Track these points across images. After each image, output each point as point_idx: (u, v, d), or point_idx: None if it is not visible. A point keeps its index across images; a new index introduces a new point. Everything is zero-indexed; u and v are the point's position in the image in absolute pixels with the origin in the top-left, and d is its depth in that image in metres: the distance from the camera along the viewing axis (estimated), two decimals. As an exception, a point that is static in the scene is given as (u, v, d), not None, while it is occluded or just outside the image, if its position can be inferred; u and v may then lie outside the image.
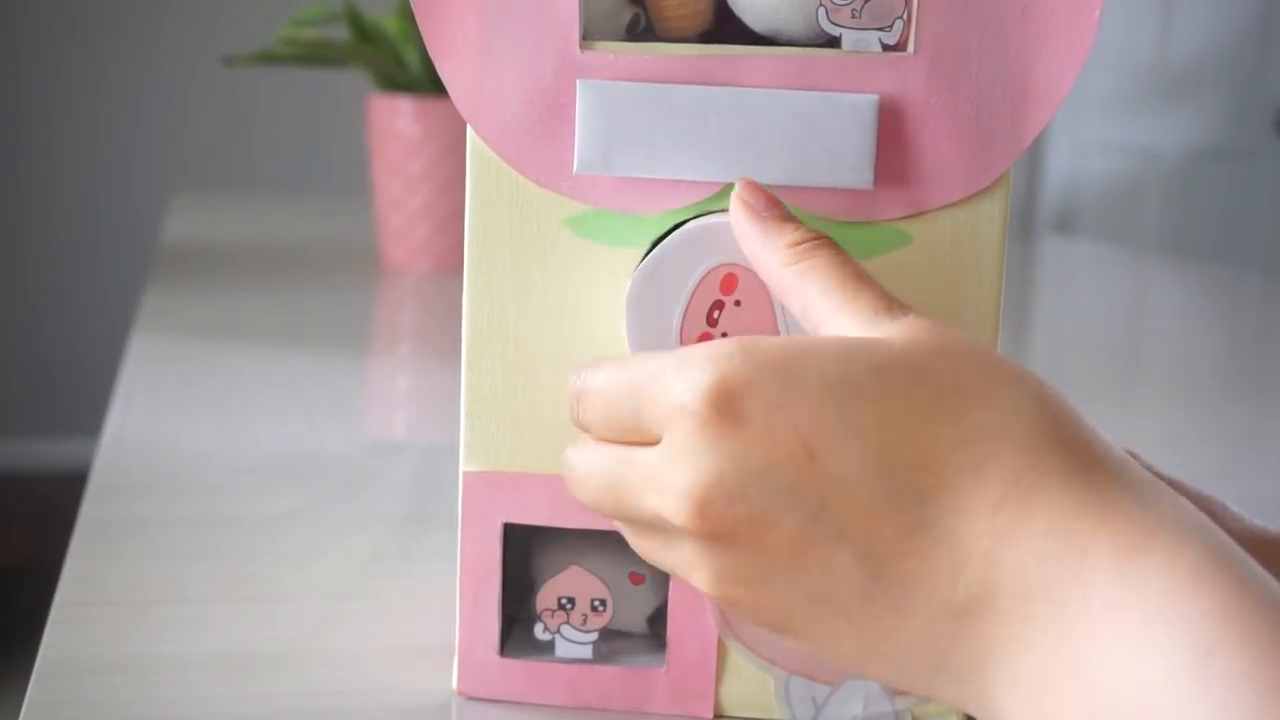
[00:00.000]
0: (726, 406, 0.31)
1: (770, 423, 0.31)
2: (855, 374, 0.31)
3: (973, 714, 0.31)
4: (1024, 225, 3.12)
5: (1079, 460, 0.30)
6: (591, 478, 0.35)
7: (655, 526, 0.34)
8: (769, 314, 0.39)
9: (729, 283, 0.38)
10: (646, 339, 0.39)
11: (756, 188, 0.37)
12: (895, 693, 0.41)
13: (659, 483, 0.32)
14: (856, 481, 0.30)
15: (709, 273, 0.38)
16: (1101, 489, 0.29)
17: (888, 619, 0.31)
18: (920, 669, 0.31)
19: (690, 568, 0.33)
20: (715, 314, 0.39)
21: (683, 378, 0.32)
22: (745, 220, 0.37)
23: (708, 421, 0.31)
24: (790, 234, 0.36)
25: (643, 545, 0.35)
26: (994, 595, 0.29)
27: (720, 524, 0.31)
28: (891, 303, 0.34)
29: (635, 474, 0.33)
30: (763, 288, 0.38)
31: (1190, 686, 0.26)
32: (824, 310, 0.35)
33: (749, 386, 0.31)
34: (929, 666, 0.31)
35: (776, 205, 0.37)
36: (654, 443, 0.33)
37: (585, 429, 0.36)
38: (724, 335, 0.39)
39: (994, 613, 0.29)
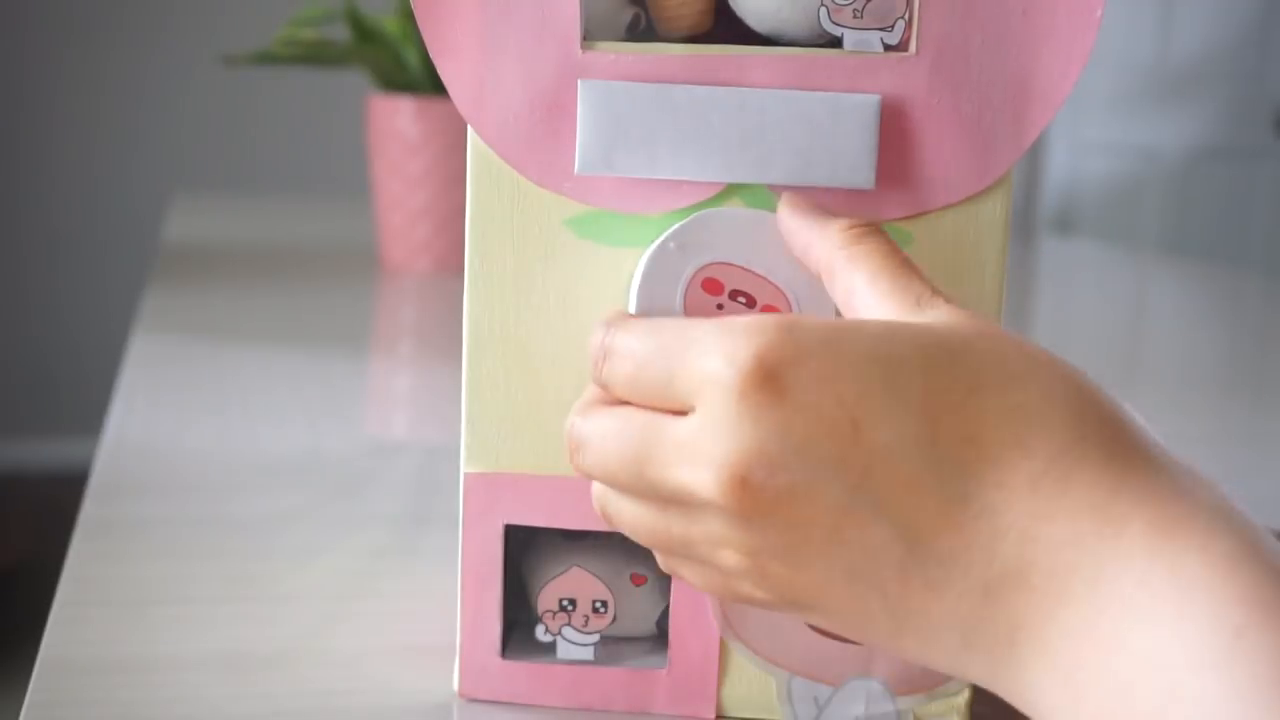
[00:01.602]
0: (769, 378, 0.30)
1: (815, 394, 0.30)
2: (900, 349, 0.31)
3: (1001, 693, 0.31)
4: (1024, 225, 3.13)
5: (1118, 441, 0.30)
6: (609, 442, 0.34)
7: (677, 502, 0.33)
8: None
9: (713, 285, 0.38)
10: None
11: (799, 194, 0.38)
12: (898, 692, 0.41)
13: (692, 453, 0.31)
14: (901, 454, 0.30)
15: (704, 267, 0.38)
16: (1139, 470, 0.30)
17: (922, 595, 0.31)
18: (951, 646, 0.31)
19: (717, 545, 0.32)
20: (719, 310, 0.39)
21: (723, 348, 0.31)
22: (793, 215, 0.37)
23: (747, 394, 0.30)
24: (842, 221, 0.36)
25: (655, 524, 0.34)
26: (1028, 572, 0.29)
27: (759, 498, 0.31)
28: (935, 292, 0.34)
29: (664, 443, 0.32)
30: (761, 287, 0.38)
31: (1218, 667, 0.26)
32: (868, 297, 0.35)
33: (794, 359, 0.30)
34: (959, 645, 0.31)
35: (820, 207, 0.38)
36: (681, 411, 0.32)
37: (607, 386, 0.35)
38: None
39: (1027, 589, 0.29)
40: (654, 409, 0.33)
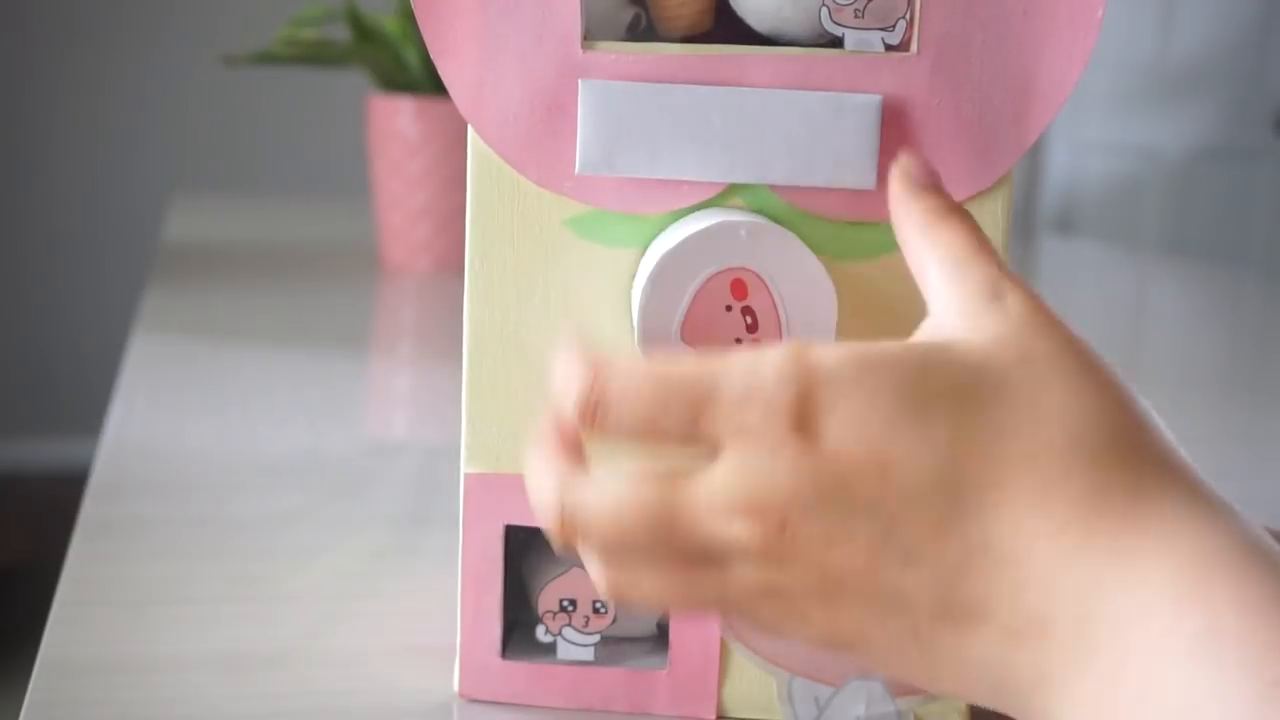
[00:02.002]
0: (802, 424, 0.30)
1: (845, 438, 0.30)
2: (932, 387, 0.31)
3: None
4: (1024, 225, 3.12)
5: (1146, 481, 0.30)
6: (625, 510, 0.31)
7: (707, 560, 0.31)
8: (774, 324, 0.38)
9: (738, 288, 0.38)
10: (651, 338, 0.39)
11: (918, 158, 0.37)
12: (899, 692, 0.41)
13: (728, 504, 0.30)
14: (927, 499, 0.30)
15: (714, 276, 0.38)
16: (1167, 513, 0.29)
17: (952, 639, 0.30)
18: (985, 689, 0.31)
19: (757, 596, 0.32)
20: (724, 314, 0.39)
21: (754, 393, 0.30)
22: (896, 184, 0.36)
23: (783, 440, 0.30)
24: (930, 199, 0.35)
25: (688, 589, 0.32)
26: (1052, 622, 0.29)
27: (797, 541, 0.30)
28: (1000, 284, 0.33)
29: (698, 497, 0.31)
30: (768, 294, 0.38)
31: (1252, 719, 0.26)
32: (937, 282, 0.34)
33: (826, 403, 0.30)
34: (992, 688, 0.31)
35: (933, 175, 0.36)
36: (694, 452, 0.31)
37: (607, 431, 0.32)
38: (737, 340, 0.39)
39: (1052, 639, 0.29)
40: (664, 467, 0.32)
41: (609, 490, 0.32)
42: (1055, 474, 0.30)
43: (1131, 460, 0.30)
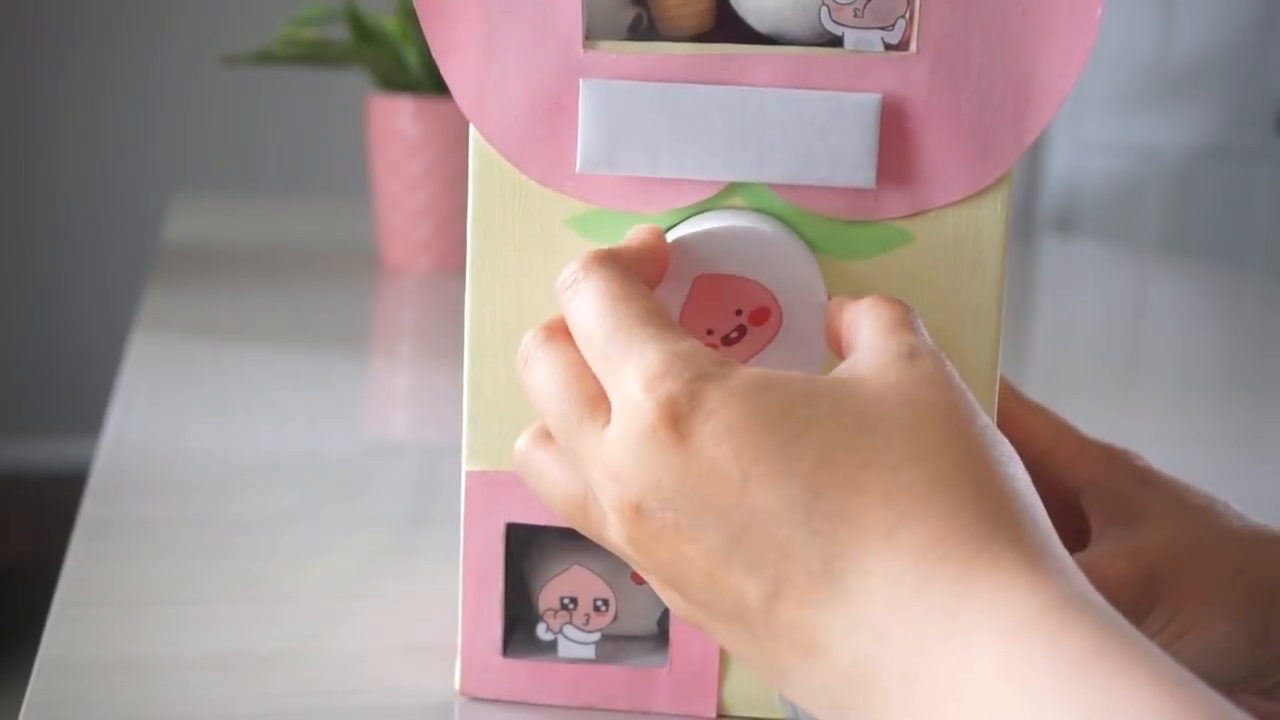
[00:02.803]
0: (676, 421, 0.31)
1: (715, 445, 0.31)
2: (813, 413, 0.31)
3: None
4: (1024, 225, 3.13)
5: (993, 535, 0.30)
6: (549, 399, 0.35)
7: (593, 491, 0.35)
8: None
9: (709, 296, 0.38)
10: None
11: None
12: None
13: (605, 465, 0.33)
14: (779, 518, 0.30)
15: (695, 283, 0.38)
16: (1004, 568, 0.29)
17: (789, 657, 0.31)
18: (824, 710, 0.31)
19: (619, 552, 0.34)
20: (720, 315, 0.39)
21: (649, 374, 0.32)
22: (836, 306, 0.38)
23: (656, 429, 0.32)
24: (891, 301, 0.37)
25: (571, 493, 0.36)
26: (880, 672, 0.29)
27: (646, 526, 0.32)
28: (919, 349, 0.34)
29: (590, 439, 0.34)
30: (766, 297, 0.38)
31: None
32: (863, 340, 0.35)
33: (706, 410, 0.31)
34: (830, 710, 0.31)
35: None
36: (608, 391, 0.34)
37: (565, 317, 0.36)
38: (724, 341, 0.39)
39: (880, 690, 0.29)
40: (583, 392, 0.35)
41: (541, 372, 0.36)
42: (908, 515, 0.30)
43: (984, 515, 0.30)
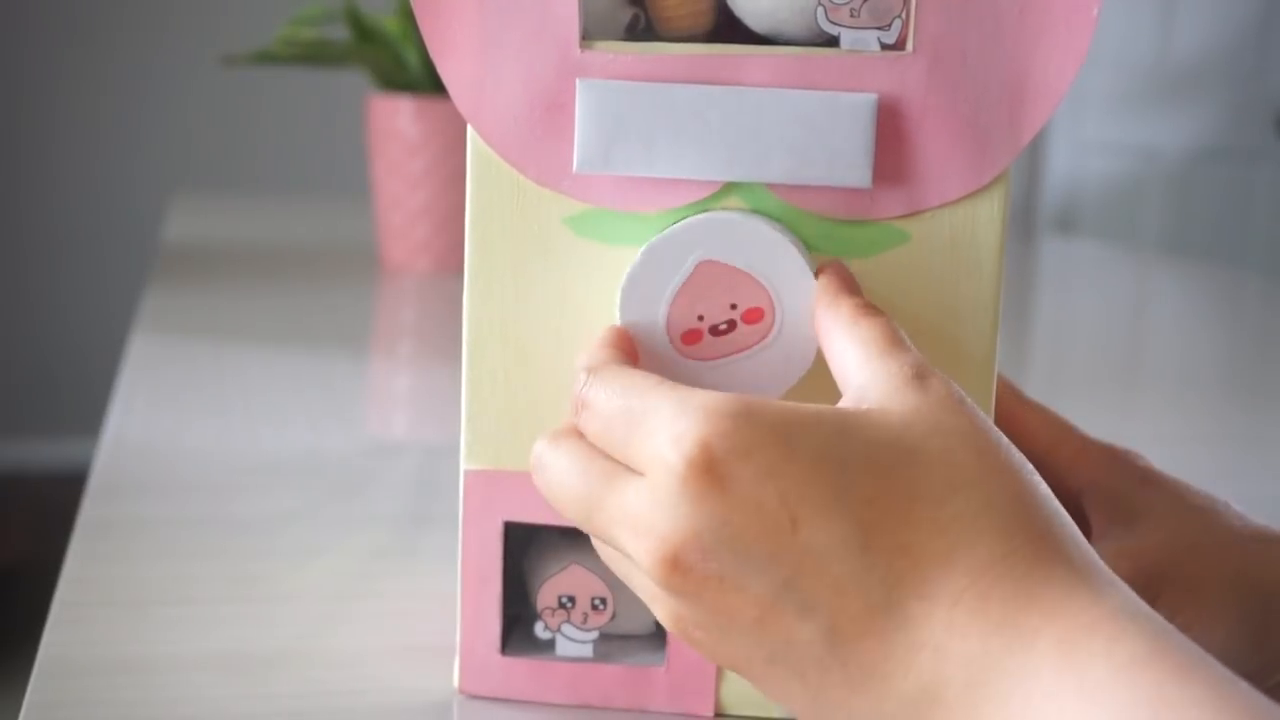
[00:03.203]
0: (711, 468, 0.31)
1: (756, 489, 0.31)
2: (850, 449, 0.31)
3: None
4: (1024, 225, 3.13)
5: (1043, 554, 0.31)
6: (567, 487, 0.35)
7: (623, 553, 0.34)
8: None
9: (699, 289, 0.38)
10: (635, 327, 0.39)
11: (838, 266, 0.39)
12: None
13: (635, 522, 0.32)
14: (833, 556, 0.31)
15: (698, 266, 0.38)
16: (1058, 583, 0.30)
17: (840, 692, 0.31)
18: None
19: (651, 601, 0.34)
20: (713, 309, 0.39)
21: (673, 429, 0.32)
22: (824, 287, 0.38)
23: (689, 480, 0.31)
24: (855, 299, 0.37)
25: (606, 553, 0.36)
26: (942, 687, 0.30)
27: (687, 578, 0.32)
28: (923, 369, 0.34)
29: (614, 503, 0.33)
30: (761, 293, 0.38)
31: None
32: (856, 364, 0.35)
33: (741, 451, 0.31)
34: None
35: (851, 281, 0.38)
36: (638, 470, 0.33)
37: (581, 431, 0.36)
38: (711, 330, 0.39)
39: (942, 704, 0.30)
40: (614, 462, 0.34)
41: (563, 457, 0.35)
42: (960, 542, 0.31)
43: (1033, 535, 0.31)
